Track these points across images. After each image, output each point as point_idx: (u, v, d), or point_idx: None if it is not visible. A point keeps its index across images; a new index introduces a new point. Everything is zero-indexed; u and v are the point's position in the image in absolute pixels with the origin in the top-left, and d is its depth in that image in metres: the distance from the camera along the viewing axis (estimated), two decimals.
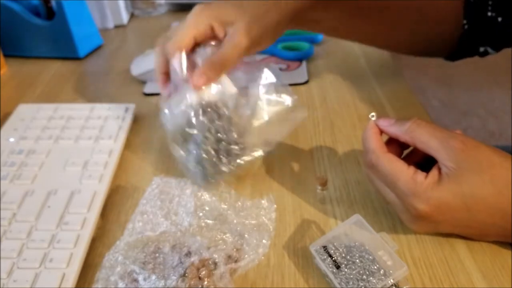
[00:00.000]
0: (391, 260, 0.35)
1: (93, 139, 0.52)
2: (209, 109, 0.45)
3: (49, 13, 0.74)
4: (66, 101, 0.63)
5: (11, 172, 0.47)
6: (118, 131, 0.53)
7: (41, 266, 0.37)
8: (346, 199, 0.45)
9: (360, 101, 0.60)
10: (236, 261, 0.36)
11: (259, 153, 0.46)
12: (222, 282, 0.34)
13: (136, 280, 0.34)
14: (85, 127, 0.54)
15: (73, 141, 0.52)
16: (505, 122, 1.80)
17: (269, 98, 0.47)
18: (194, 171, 0.46)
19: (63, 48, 0.75)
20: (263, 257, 0.38)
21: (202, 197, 0.42)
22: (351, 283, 0.34)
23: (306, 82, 0.65)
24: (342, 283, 0.34)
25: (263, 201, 0.42)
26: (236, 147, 0.45)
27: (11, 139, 0.52)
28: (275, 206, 0.41)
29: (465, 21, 0.52)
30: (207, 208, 0.41)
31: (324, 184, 0.45)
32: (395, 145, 0.40)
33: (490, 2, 0.51)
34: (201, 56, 0.47)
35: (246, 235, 0.38)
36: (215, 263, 0.35)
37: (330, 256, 0.36)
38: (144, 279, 0.34)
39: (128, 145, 0.53)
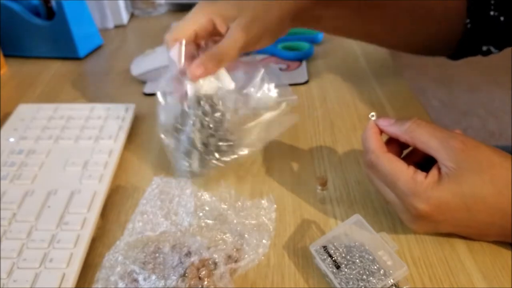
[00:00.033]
0: (391, 260, 0.35)
1: (93, 139, 0.52)
2: (204, 102, 0.45)
3: (49, 13, 0.74)
4: (66, 101, 0.63)
5: (11, 172, 0.47)
6: (118, 131, 0.53)
7: (41, 266, 0.37)
8: (346, 199, 0.45)
9: (360, 101, 0.60)
10: (236, 261, 0.36)
11: (245, 152, 0.47)
12: (222, 282, 0.34)
13: (136, 280, 0.34)
14: (85, 127, 0.54)
15: (73, 141, 0.52)
16: (505, 122, 1.80)
17: (265, 99, 0.47)
18: (181, 161, 0.46)
19: (63, 48, 0.75)
20: (263, 257, 0.38)
21: (202, 197, 0.42)
22: (351, 283, 0.34)
23: (306, 82, 0.65)
24: (342, 283, 0.34)
25: (263, 201, 0.42)
26: (225, 144, 0.46)
27: (11, 139, 0.52)
28: (275, 206, 0.41)
29: (468, 20, 0.52)
30: (207, 208, 0.41)
31: (324, 184, 0.45)
32: (395, 145, 0.40)
33: (492, 1, 0.51)
34: (202, 51, 0.47)
35: (246, 235, 0.38)
36: (215, 263, 0.35)
37: (330, 256, 0.36)
38: (144, 279, 0.34)
39: (128, 145, 0.53)
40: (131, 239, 0.38)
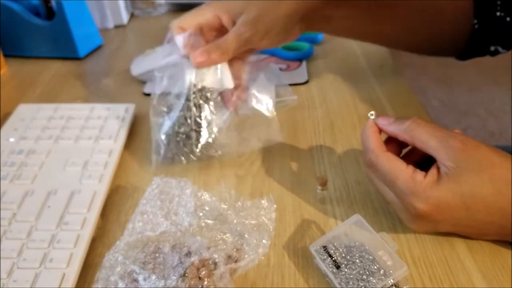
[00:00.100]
0: (391, 260, 0.35)
1: (93, 139, 0.52)
2: (200, 93, 0.45)
3: (49, 13, 0.74)
4: (66, 101, 0.63)
5: (11, 172, 0.47)
6: (118, 131, 0.53)
7: (41, 266, 0.37)
8: (346, 199, 0.45)
9: (360, 101, 0.60)
10: (236, 261, 0.36)
11: (219, 153, 0.48)
12: (222, 282, 0.34)
13: (136, 280, 0.34)
14: (85, 127, 0.54)
15: (73, 141, 0.52)
16: (505, 122, 1.80)
17: (260, 103, 0.48)
18: (159, 144, 0.47)
19: (63, 48, 0.75)
20: (263, 257, 0.38)
21: (202, 197, 0.42)
22: (351, 283, 0.34)
23: (306, 82, 0.65)
24: (342, 283, 0.34)
25: (263, 201, 0.42)
26: (209, 139, 0.46)
27: (11, 139, 0.52)
28: (275, 206, 0.41)
29: (475, 21, 0.52)
30: (207, 208, 0.41)
31: (324, 184, 0.45)
32: (394, 144, 0.40)
33: (498, 2, 0.51)
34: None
35: (246, 235, 0.38)
36: (215, 263, 0.35)
37: (330, 256, 0.36)
38: (144, 279, 0.34)
39: (128, 145, 0.53)
40: (131, 239, 0.38)
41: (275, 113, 0.49)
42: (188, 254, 0.36)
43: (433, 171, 0.36)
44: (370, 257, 0.36)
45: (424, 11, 0.54)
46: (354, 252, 0.36)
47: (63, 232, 0.40)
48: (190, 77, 0.46)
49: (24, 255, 0.38)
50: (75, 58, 0.76)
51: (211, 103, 0.46)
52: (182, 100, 0.46)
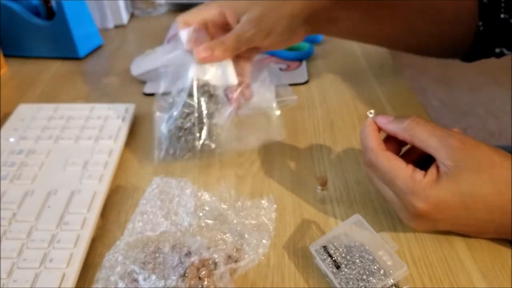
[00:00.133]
0: (391, 260, 0.35)
1: (93, 139, 0.52)
2: (203, 89, 0.45)
3: (49, 13, 0.74)
4: (66, 101, 0.63)
5: (11, 172, 0.47)
6: (118, 131, 0.53)
7: (41, 266, 0.37)
8: (346, 199, 0.45)
9: (360, 101, 0.60)
10: (236, 261, 0.36)
11: (216, 149, 0.48)
12: (222, 282, 0.34)
13: (136, 280, 0.34)
14: (85, 127, 0.54)
15: (73, 141, 0.52)
16: (505, 122, 1.80)
17: (270, 95, 0.48)
18: (162, 140, 0.47)
19: (63, 48, 0.75)
20: (263, 257, 0.38)
21: (202, 197, 0.42)
22: (351, 283, 0.34)
23: (306, 82, 0.65)
24: (342, 283, 0.34)
25: (263, 201, 0.42)
26: (212, 135, 0.46)
27: (11, 139, 0.52)
28: (275, 206, 0.41)
29: (480, 23, 0.52)
30: (207, 208, 0.41)
31: (324, 184, 0.45)
32: (393, 143, 0.40)
33: (502, 4, 0.50)
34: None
35: (246, 235, 0.38)
36: (215, 263, 0.35)
37: (330, 256, 0.36)
38: (144, 279, 0.34)
39: (128, 145, 0.53)
40: (131, 239, 0.38)
41: (278, 111, 0.49)
42: (188, 254, 0.36)
43: (432, 170, 0.36)
44: (370, 257, 0.36)
45: (424, 11, 0.54)
46: (354, 252, 0.36)
47: (63, 232, 0.40)
48: (193, 72, 0.46)
49: (24, 255, 0.38)
50: (75, 58, 0.76)
51: (214, 99, 0.46)
52: (185, 96, 0.46)
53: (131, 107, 0.57)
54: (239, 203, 0.42)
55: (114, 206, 0.45)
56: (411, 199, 0.36)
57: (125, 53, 0.78)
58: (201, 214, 0.40)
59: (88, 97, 0.65)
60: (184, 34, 0.46)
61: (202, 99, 0.46)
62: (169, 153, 0.48)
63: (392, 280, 0.34)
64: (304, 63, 0.70)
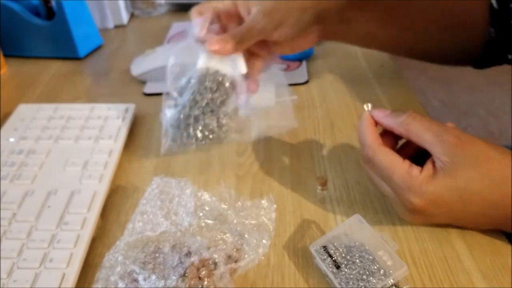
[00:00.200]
0: (391, 260, 0.35)
1: (93, 139, 0.52)
2: (212, 77, 0.45)
3: (49, 13, 0.74)
4: (66, 101, 0.63)
5: (11, 172, 0.47)
6: (118, 131, 0.53)
7: (41, 266, 0.37)
8: (346, 199, 0.45)
9: (360, 101, 0.60)
10: (236, 261, 0.36)
11: (235, 139, 0.47)
12: (222, 282, 0.34)
13: (136, 280, 0.34)
14: (85, 127, 0.54)
15: (73, 141, 0.52)
16: (505, 122, 1.80)
17: (270, 95, 0.48)
18: (169, 127, 0.47)
19: (63, 48, 0.75)
20: (263, 257, 0.38)
21: (202, 197, 0.42)
22: (351, 283, 0.34)
23: (306, 82, 0.65)
24: (342, 283, 0.34)
25: (263, 201, 0.42)
26: (215, 125, 0.46)
27: (11, 139, 0.52)
28: (275, 206, 0.41)
29: (492, 29, 0.52)
30: (207, 208, 0.41)
31: (324, 184, 0.45)
32: (390, 137, 0.41)
33: None
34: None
35: (246, 235, 0.38)
36: (215, 263, 0.35)
37: (330, 256, 0.36)
38: (144, 279, 0.34)
39: (128, 145, 0.53)
40: (131, 239, 0.38)
41: (293, 96, 0.48)
42: (188, 254, 0.36)
43: (428, 166, 0.37)
44: (370, 257, 0.36)
45: (438, 15, 0.53)
46: (354, 252, 0.36)
47: (63, 232, 0.40)
48: (203, 61, 0.46)
49: (24, 255, 0.38)
50: (75, 58, 0.76)
51: (223, 88, 0.46)
52: (194, 83, 0.46)
53: (131, 107, 0.57)
54: (239, 203, 0.42)
55: (114, 206, 0.45)
56: (407, 195, 0.36)
57: (125, 53, 0.78)
58: (201, 214, 0.40)
59: (88, 97, 0.65)
60: (197, 23, 0.47)
61: (211, 88, 0.46)
62: (176, 142, 0.47)
63: (392, 280, 0.34)
64: (304, 63, 0.70)
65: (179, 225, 0.39)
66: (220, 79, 0.46)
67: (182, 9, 0.94)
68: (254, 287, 0.37)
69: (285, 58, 0.71)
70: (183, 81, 0.47)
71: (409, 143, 0.41)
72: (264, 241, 0.38)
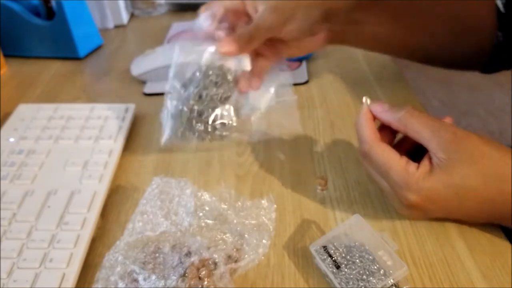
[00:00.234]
0: (391, 260, 0.35)
1: (93, 139, 0.52)
2: (218, 71, 0.45)
3: (49, 13, 0.74)
4: (66, 101, 0.63)
5: (11, 172, 0.47)
6: (118, 131, 0.53)
7: (41, 266, 0.37)
8: (346, 199, 0.45)
9: (360, 101, 0.60)
10: (236, 261, 0.36)
11: (235, 137, 0.47)
12: (222, 282, 0.34)
13: (136, 280, 0.34)
14: (85, 127, 0.54)
15: (73, 141, 0.52)
16: (505, 122, 1.80)
17: (270, 94, 0.48)
18: (171, 118, 0.47)
19: (63, 48, 0.75)
20: (263, 257, 0.38)
21: (202, 197, 0.42)
22: (351, 283, 0.34)
23: (306, 82, 0.65)
24: (342, 283, 0.34)
25: (263, 201, 0.42)
26: (220, 121, 0.46)
27: (11, 139, 0.52)
28: (275, 206, 0.41)
29: (500, 33, 0.52)
30: (207, 208, 0.41)
31: (324, 184, 0.45)
32: (388, 131, 0.41)
33: None
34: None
35: (246, 235, 0.38)
36: (215, 263, 0.35)
37: (330, 256, 0.36)
38: (144, 279, 0.34)
39: (128, 145, 0.53)
40: (131, 239, 0.38)
41: (295, 104, 0.48)
42: (188, 254, 0.36)
43: (425, 162, 0.37)
44: (370, 257, 0.36)
45: (447, 18, 0.53)
46: (354, 252, 0.36)
47: (63, 232, 0.40)
48: (209, 54, 0.46)
49: (24, 255, 0.38)
50: (75, 58, 0.76)
51: (227, 83, 0.46)
52: (200, 77, 0.46)
53: (131, 107, 0.57)
54: (239, 203, 0.42)
55: (114, 206, 0.45)
56: (404, 191, 0.37)
57: (125, 53, 0.78)
58: (201, 214, 0.40)
59: (88, 97, 0.65)
60: (205, 17, 0.47)
61: (216, 82, 0.46)
62: (177, 134, 0.47)
63: (392, 280, 0.34)
64: (304, 63, 0.70)
65: (179, 225, 0.39)
66: (224, 72, 0.46)
67: (182, 9, 0.94)
68: (254, 287, 0.37)
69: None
70: (188, 74, 0.47)
71: (407, 137, 0.41)
72: (264, 241, 0.38)
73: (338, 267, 0.35)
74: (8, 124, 0.55)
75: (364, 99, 0.41)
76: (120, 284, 0.34)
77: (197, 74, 0.46)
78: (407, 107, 0.39)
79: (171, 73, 0.48)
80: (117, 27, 0.89)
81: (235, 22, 0.49)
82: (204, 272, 0.34)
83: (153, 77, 0.66)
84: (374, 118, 0.41)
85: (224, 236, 0.38)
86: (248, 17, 0.48)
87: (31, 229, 0.41)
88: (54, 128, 0.54)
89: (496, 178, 0.36)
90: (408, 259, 0.38)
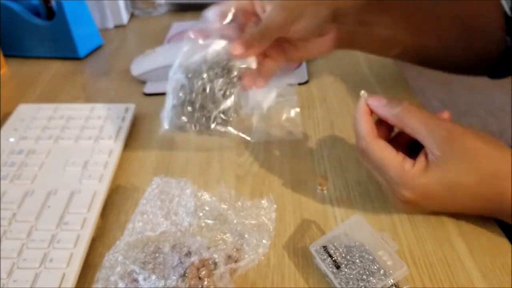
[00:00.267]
0: (391, 260, 0.35)
1: (93, 139, 0.52)
2: (222, 68, 0.45)
3: (49, 13, 0.74)
4: (66, 101, 0.63)
5: (11, 172, 0.47)
6: (118, 131, 0.53)
7: (41, 266, 0.37)
8: (346, 199, 0.45)
9: None
10: (236, 261, 0.36)
11: (235, 133, 0.47)
12: (222, 282, 0.34)
13: (136, 280, 0.34)
14: (85, 127, 0.54)
15: (73, 141, 0.52)
16: (505, 122, 1.80)
17: (271, 94, 0.48)
18: (172, 108, 0.47)
19: (63, 48, 0.75)
20: (263, 257, 0.38)
21: (202, 197, 0.42)
22: (351, 283, 0.34)
23: (306, 82, 0.65)
24: (342, 283, 0.34)
25: (263, 201, 0.41)
26: (221, 116, 0.46)
27: (11, 139, 0.52)
28: (275, 206, 0.41)
29: (508, 38, 0.51)
30: (207, 208, 0.41)
31: (324, 184, 0.45)
32: (385, 125, 0.42)
33: None
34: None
35: (246, 235, 0.38)
36: (215, 263, 0.35)
37: (330, 256, 0.36)
38: (144, 279, 0.34)
39: (128, 145, 0.53)
40: (131, 239, 0.38)
41: (297, 108, 0.48)
42: (188, 254, 0.36)
43: (421, 158, 0.38)
44: (370, 257, 0.36)
45: (458, 23, 0.53)
46: (354, 252, 0.36)
47: (63, 232, 0.40)
48: (216, 49, 0.46)
49: (24, 255, 0.38)
50: (75, 58, 0.76)
51: (231, 80, 0.46)
52: (205, 70, 0.46)
53: (131, 107, 0.57)
54: (239, 203, 0.42)
55: (114, 206, 0.45)
56: (400, 188, 0.38)
57: (125, 53, 0.78)
58: (201, 214, 0.40)
59: (88, 97, 0.65)
60: (211, 14, 0.47)
61: (221, 75, 0.46)
62: (177, 125, 0.47)
63: (392, 280, 0.34)
64: (304, 63, 0.70)
65: (179, 225, 0.39)
66: (229, 68, 0.46)
67: (182, 9, 0.93)
68: (254, 287, 0.37)
69: None
70: (192, 66, 0.47)
71: (403, 133, 0.41)
72: (264, 241, 0.38)
73: (338, 267, 0.35)
74: (8, 124, 0.55)
75: (361, 92, 0.42)
76: (120, 284, 0.34)
77: (203, 67, 0.46)
78: (404, 102, 0.40)
79: (176, 63, 0.47)
80: (117, 27, 0.89)
81: (245, 22, 0.49)
82: (204, 272, 0.34)
83: (153, 77, 0.66)
84: (372, 112, 0.41)
85: (224, 236, 0.38)
86: (257, 17, 0.48)
87: (31, 229, 0.41)
88: (54, 128, 0.54)
89: (490, 177, 0.36)
90: (408, 259, 0.38)
